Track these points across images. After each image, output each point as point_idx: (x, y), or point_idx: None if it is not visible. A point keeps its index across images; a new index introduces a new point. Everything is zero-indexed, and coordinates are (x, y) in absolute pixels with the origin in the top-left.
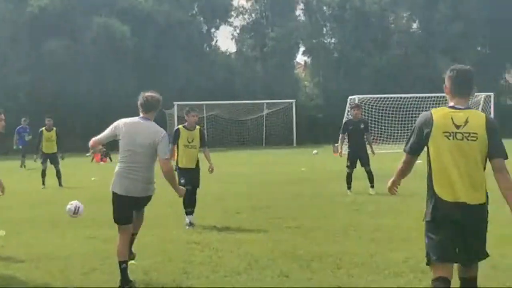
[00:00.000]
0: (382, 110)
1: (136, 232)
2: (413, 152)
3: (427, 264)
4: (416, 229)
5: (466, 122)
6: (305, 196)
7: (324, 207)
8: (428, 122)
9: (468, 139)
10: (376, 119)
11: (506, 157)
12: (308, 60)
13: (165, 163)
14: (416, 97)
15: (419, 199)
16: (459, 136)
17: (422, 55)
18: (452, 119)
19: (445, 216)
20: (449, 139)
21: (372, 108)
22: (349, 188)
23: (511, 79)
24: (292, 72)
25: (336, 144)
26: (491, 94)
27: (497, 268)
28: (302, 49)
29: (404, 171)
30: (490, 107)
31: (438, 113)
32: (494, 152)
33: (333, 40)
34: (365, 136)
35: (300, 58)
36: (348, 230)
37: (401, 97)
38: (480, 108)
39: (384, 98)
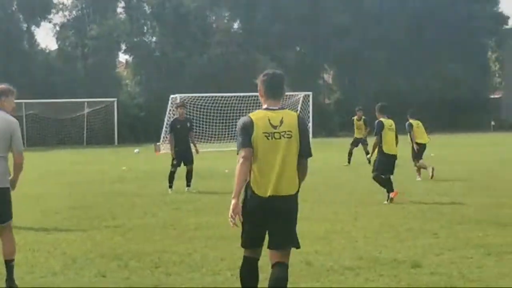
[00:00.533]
0: (204, 109)
1: (12, 258)
2: (248, 144)
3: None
4: (235, 228)
5: (282, 122)
6: (125, 195)
7: (144, 206)
8: (249, 126)
9: (284, 137)
10: (198, 118)
11: (311, 155)
12: (130, 58)
13: (21, 155)
14: (237, 96)
15: None
16: (276, 135)
17: (243, 55)
18: (269, 120)
19: (258, 209)
20: (268, 139)
21: (193, 107)
22: (170, 186)
23: (329, 78)
24: (114, 70)
25: (158, 143)
26: (310, 93)
27: (311, 264)
28: (123, 47)
29: (245, 171)
30: (309, 106)
31: (256, 116)
32: (303, 152)
33: (154, 39)
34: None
35: (122, 57)
36: (168, 228)
37: (222, 96)
38: (299, 107)
39: (206, 97)
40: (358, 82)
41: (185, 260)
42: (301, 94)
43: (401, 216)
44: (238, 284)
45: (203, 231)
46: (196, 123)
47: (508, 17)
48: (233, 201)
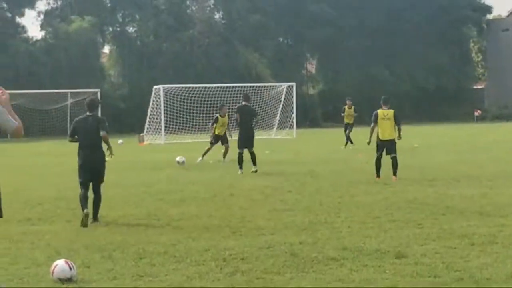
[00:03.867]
0: (187, 100)
1: None
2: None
3: None
4: (218, 217)
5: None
6: (109, 186)
7: (128, 196)
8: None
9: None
10: (181, 109)
11: None
12: (113, 49)
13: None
14: (219, 87)
15: (222, 188)
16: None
17: (225, 46)
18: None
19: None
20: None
21: (175, 97)
22: (240, 167)
23: (312, 68)
24: (97, 61)
25: (142, 134)
26: (293, 84)
27: (296, 255)
28: (106, 38)
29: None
30: (292, 97)
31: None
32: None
33: (134, 29)
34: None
35: (105, 48)
36: (151, 219)
37: (204, 87)
38: (282, 98)
39: (188, 88)
40: (340, 72)
41: (169, 250)
42: (284, 85)
43: (384, 207)
44: (222, 275)
45: (187, 221)
46: (179, 113)
47: (490, 7)
48: None
